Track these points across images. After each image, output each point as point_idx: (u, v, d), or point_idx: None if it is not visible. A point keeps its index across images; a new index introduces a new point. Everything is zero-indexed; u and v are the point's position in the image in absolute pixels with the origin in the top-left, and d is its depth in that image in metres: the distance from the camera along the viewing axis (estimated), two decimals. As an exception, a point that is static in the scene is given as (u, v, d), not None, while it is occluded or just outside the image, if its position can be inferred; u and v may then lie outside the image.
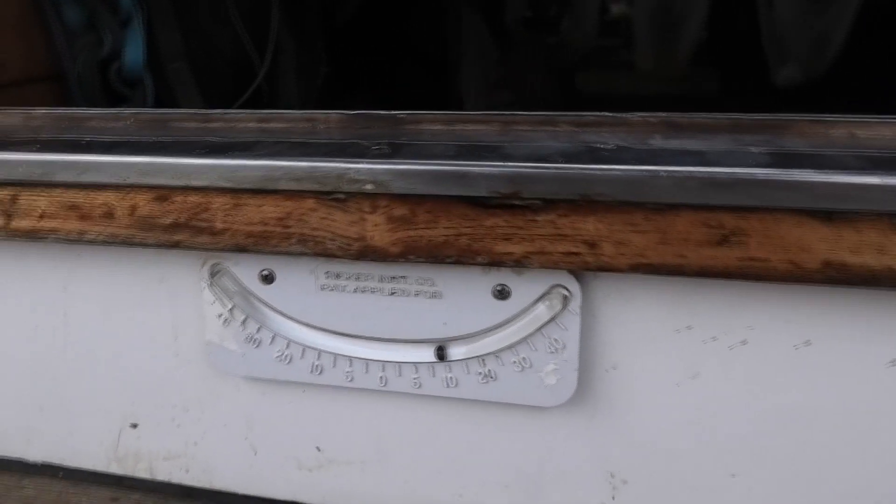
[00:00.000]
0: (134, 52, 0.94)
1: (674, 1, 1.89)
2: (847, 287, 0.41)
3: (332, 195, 0.44)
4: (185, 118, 0.56)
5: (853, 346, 0.44)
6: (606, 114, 0.50)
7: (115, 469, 0.59)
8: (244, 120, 0.55)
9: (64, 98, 0.91)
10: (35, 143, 0.52)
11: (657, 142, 0.46)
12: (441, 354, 0.47)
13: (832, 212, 0.39)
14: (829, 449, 0.46)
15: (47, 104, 0.93)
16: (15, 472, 0.61)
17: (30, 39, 0.93)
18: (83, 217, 0.49)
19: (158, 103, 0.98)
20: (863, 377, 0.44)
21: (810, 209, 0.39)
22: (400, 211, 0.44)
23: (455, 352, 0.47)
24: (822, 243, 0.40)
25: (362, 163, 0.44)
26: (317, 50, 1.30)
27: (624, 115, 0.50)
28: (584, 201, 0.41)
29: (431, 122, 0.52)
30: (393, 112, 0.53)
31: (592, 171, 0.41)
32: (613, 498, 0.50)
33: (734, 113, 0.49)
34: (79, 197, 0.49)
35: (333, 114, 0.54)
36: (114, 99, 0.97)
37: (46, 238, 0.50)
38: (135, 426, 0.57)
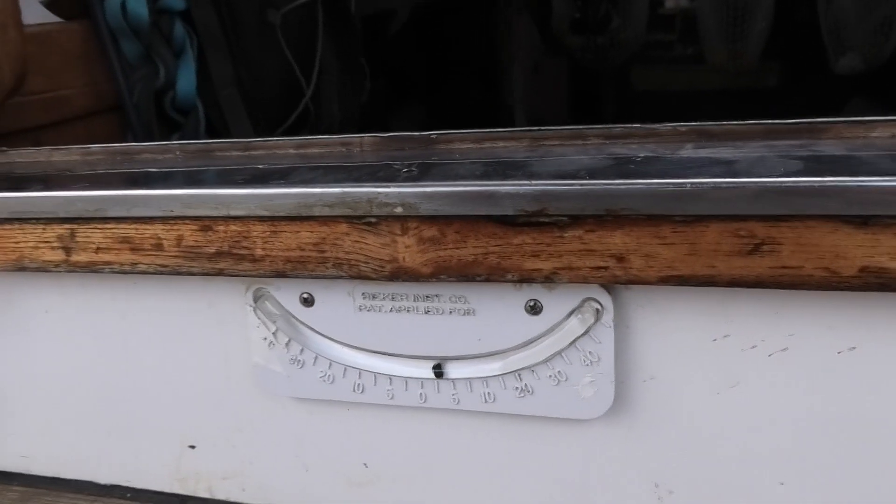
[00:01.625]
0: (187, 81, 0.97)
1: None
2: (889, 292, 0.40)
3: (364, 219, 0.45)
4: (228, 147, 0.59)
5: (900, 352, 0.43)
6: (636, 125, 0.50)
7: (177, 489, 0.61)
8: (283, 147, 0.57)
9: (123, 128, 0.95)
10: (90, 179, 0.55)
11: (687, 152, 0.46)
12: (438, 372, 0.48)
13: (868, 217, 0.38)
14: (877, 456, 0.45)
15: (110, 134, 0.99)
16: (88, 494, 0.64)
17: (92, 73, 0.98)
18: (134, 249, 0.51)
19: (210, 128, 1.01)
20: (913, 383, 0.43)
21: (844, 216, 0.38)
22: (429, 232, 0.45)
23: (486, 368, 0.48)
24: (858, 249, 0.39)
25: (392, 186, 0.45)
26: (360, 69, 1.32)
27: (654, 125, 0.49)
28: (610, 216, 0.41)
29: (462, 141, 0.53)
30: (425, 133, 0.54)
31: (617, 187, 0.41)
32: (659, 510, 0.50)
33: (770, 119, 0.48)
34: (130, 230, 0.51)
35: (367, 137, 0.55)
36: (169, 126, 1.02)
37: (103, 270, 0.53)
38: (193, 447, 0.60)
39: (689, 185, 0.40)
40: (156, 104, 0.97)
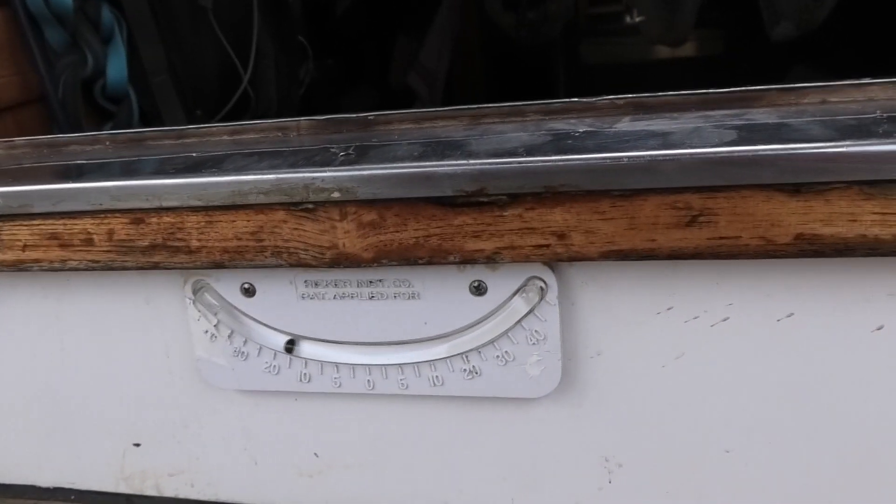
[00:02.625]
0: (117, 68, 0.94)
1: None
2: (823, 258, 0.40)
3: (301, 206, 0.44)
4: (159, 136, 0.57)
5: (837, 316, 0.44)
6: (574, 100, 0.49)
7: (123, 488, 0.60)
8: (217, 133, 0.55)
9: (52, 117, 0.92)
10: (15, 174, 0.53)
11: (624, 125, 0.46)
12: (289, 347, 0.49)
13: (800, 185, 0.39)
14: (820, 418, 0.46)
15: (41, 126, 0.95)
16: (29, 498, 0.62)
17: (18, 63, 0.93)
18: (64, 245, 0.49)
19: (144, 117, 0.98)
20: (849, 345, 0.44)
21: (777, 184, 0.39)
22: (369, 216, 0.44)
23: (433, 351, 0.48)
24: (792, 217, 0.39)
25: (328, 171, 0.44)
26: (300, 50, 1.29)
27: (591, 99, 0.49)
28: (549, 193, 0.41)
29: (401, 122, 0.52)
30: (362, 114, 0.53)
31: (555, 163, 0.40)
32: (610, 482, 0.50)
33: (704, 90, 0.48)
34: (58, 226, 0.49)
35: (304, 120, 0.54)
36: (101, 115, 0.98)
37: (31, 269, 0.50)
38: (138, 445, 0.58)
39: (625, 160, 0.40)
40: (86, 93, 0.94)
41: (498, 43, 2.06)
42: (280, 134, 0.54)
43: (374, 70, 1.88)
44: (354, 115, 0.53)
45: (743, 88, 0.47)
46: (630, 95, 0.48)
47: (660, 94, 0.48)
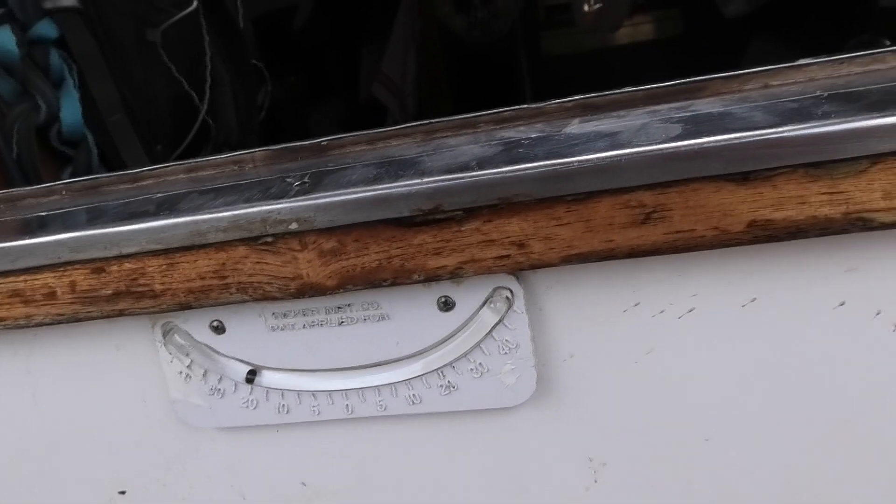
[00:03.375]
0: (71, 111, 0.93)
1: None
2: (777, 242, 0.41)
3: (261, 239, 0.44)
4: (115, 181, 0.57)
5: (799, 296, 0.44)
6: (524, 107, 0.50)
7: (113, 536, 0.59)
8: (172, 173, 0.55)
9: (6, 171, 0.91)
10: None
11: (574, 127, 0.46)
12: (250, 378, 0.49)
13: (748, 172, 0.39)
14: (793, 397, 0.46)
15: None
16: (19, 556, 0.61)
17: (-33, 117, 0.92)
18: (27, 302, 0.49)
19: (103, 158, 0.97)
20: (814, 323, 0.45)
21: (725, 174, 0.39)
22: (329, 244, 0.44)
23: (408, 370, 0.48)
24: (743, 205, 0.40)
25: (283, 202, 0.44)
26: (255, 73, 1.29)
27: (540, 104, 0.50)
28: (504, 204, 0.41)
29: (354, 144, 0.52)
30: (316, 140, 0.53)
31: (507, 174, 0.41)
32: (596, 481, 0.50)
33: (649, 85, 0.49)
34: (19, 282, 0.49)
35: (259, 152, 0.54)
36: (59, 160, 0.97)
37: (-4, 328, 0.50)
38: (123, 493, 0.58)
39: (574, 164, 0.40)
40: (41, 140, 0.93)
41: (456, 45, 2.07)
42: (236, 167, 0.54)
43: (333, 85, 1.88)
44: (308, 143, 0.53)
45: (686, 80, 0.48)
46: (578, 97, 0.49)
47: (606, 93, 0.49)
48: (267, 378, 0.50)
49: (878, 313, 0.44)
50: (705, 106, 0.45)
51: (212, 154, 1.21)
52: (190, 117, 1.10)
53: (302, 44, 1.81)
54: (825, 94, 0.43)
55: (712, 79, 0.48)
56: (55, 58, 0.93)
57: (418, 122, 0.52)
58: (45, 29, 0.92)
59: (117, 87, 0.96)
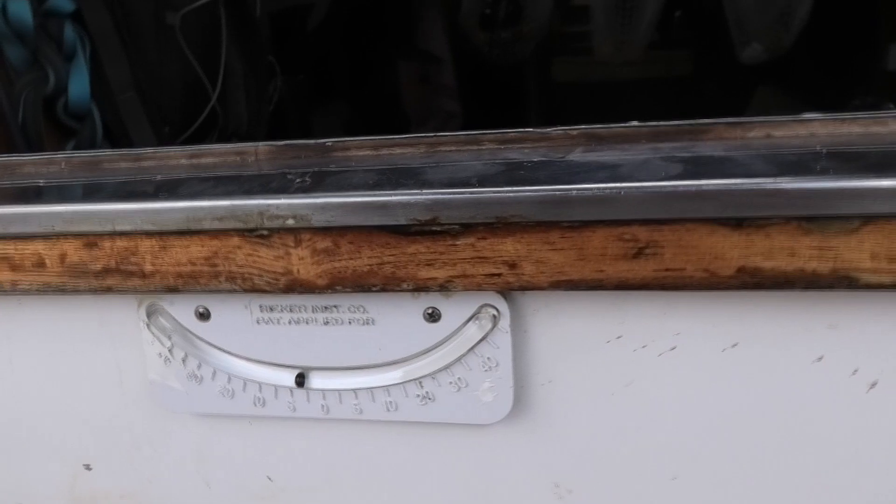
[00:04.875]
0: (79, 85, 0.93)
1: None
2: (764, 291, 0.41)
3: (256, 232, 0.45)
4: (117, 158, 0.57)
5: (779, 346, 0.45)
6: (529, 130, 0.50)
7: (73, 511, 0.59)
8: (175, 157, 0.55)
9: (9, 137, 0.91)
10: (-33, 194, 0.52)
11: (576, 156, 0.47)
12: (300, 381, 0.48)
13: (742, 219, 0.40)
14: (764, 446, 0.47)
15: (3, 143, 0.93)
16: (-25, 521, 0.61)
17: (-24, 79, 0.92)
18: (14, 268, 0.49)
19: (109, 134, 0.98)
20: (791, 375, 0.45)
21: (720, 218, 0.40)
22: (323, 244, 0.44)
23: (387, 377, 0.48)
24: (734, 250, 0.40)
25: (283, 198, 0.44)
26: (268, 68, 1.30)
27: (546, 130, 0.50)
28: (500, 224, 0.42)
29: (359, 149, 0.53)
30: (321, 140, 0.53)
31: (506, 195, 0.41)
32: (561, 508, 0.51)
33: (655, 122, 0.49)
34: (9, 248, 0.49)
35: (262, 145, 0.54)
36: (64, 133, 0.97)
37: (-19, 290, 0.50)
38: (88, 468, 0.57)
39: (574, 192, 0.40)
40: (47, 110, 0.93)
41: (470, 60, 2.08)
42: (238, 158, 0.54)
43: (342, 86, 1.89)
44: (312, 141, 0.53)
45: (691, 121, 0.49)
46: (583, 126, 0.49)
47: (612, 125, 0.49)
48: (245, 369, 0.50)
49: (854, 371, 0.44)
50: (707, 149, 0.46)
51: (218, 142, 1.22)
52: (200, 103, 1.10)
53: (314, 42, 1.82)
54: (825, 150, 0.43)
55: (717, 123, 0.48)
56: (69, 31, 0.94)
57: (423, 135, 0.52)
58: (62, 2, 0.93)
59: (130, 66, 0.96)
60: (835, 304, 0.43)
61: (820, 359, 0.44)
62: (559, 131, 0.50)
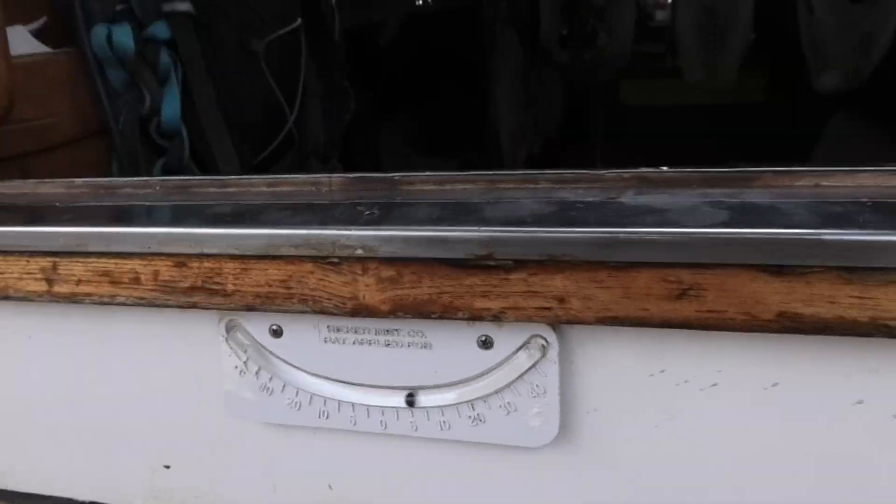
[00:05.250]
0: (171, 107, 1.01)
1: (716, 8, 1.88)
2: (803, 334, 0.43)
3: (328, 259, 0.49)
4: (205, 184, 0.62)
5: (820, 388, 0.46)
6: (584, 171, 0.53)
7: (152, 505, 0.64)
8: (256, 185, 0.60)
9: (108, 153, 0.98)
10: (74, 212, 0.59)
11: (628, 199, 0.50)
12: (410, 401, 0.52)
13: (783, 266, 0.42)
14: (803, 484, 0.48)
15: (95, 160, 1.02)
16: (66, 510, 0.67)
17: (78, 99, 1.01)
18: (114, 282, 0.54)
19: (195, 152, 1.04)
20: (832, 415, 0.46)
21: (762, 264, 0.42)
22: (388, 272, 0.48)
23: (442, 398, 0.51)
24: (775, 296, 0.42)
25: (353, 230, 0.48)
26: (344, 92, 1.36)
27: (600, 172, 0.53)
28: (551, 261, 0.45)
29: (423, 183, 0.56)
30: (389, 175, 0.57)
31: (558, 234, 0.44)
32: (603, 531, 0.53)
33: (706, 168, 0.52)
34: (109, 264, 0.54)
35: (336, 177, 0.59)
36: (155, 150, 1.05)
37: (83, 301, 0.56)
38: (167, 467, 0.63)
39: (621, 235, 0.43)
40: (141, 129, 1.00)
41: (548, 81, 2.10)
42: (313, 188, 0.59)
43: (412, 110, 1.94)
44: (381, 175, 0.57)
45: (741, 169, 0.51)
46: (635, 170, 0.52)
47: (664, 169, 0.52)
48: (313, 384, 0.54)
49: (895, 416, 0.45)
50: (755, 196, 0.48)
51: (294, 160, 1.28)
52: (278, 124, 1.17)
53: (387, 65, 1.88)
54: (870, 202, 0.45)
55: (765, 171, 0.50)
56: (164, 57, 1.01)
57: (483, 172, 0.55)
58: (160, 30, 1.00)
59: (216, 90, 1.03)
60: (874, 350, 0.44)
61: (860, 402, 0.46)
62: (613, 173, 0.53)
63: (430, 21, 2.14)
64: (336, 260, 0.49)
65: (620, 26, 1.95)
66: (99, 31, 0.93)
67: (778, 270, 0.42)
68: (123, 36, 0.92)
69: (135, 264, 0.53)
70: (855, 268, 0.41)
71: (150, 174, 0.99)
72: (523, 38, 2.00)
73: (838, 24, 1.73)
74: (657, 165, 0.52)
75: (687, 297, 0.44)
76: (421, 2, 2.21)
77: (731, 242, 0.42)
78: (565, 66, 2.01)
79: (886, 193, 0.46)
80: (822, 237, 0.41)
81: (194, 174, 1.09)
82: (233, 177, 0.61)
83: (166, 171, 1.04)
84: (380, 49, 1.90)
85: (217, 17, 1.02)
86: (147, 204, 0.60)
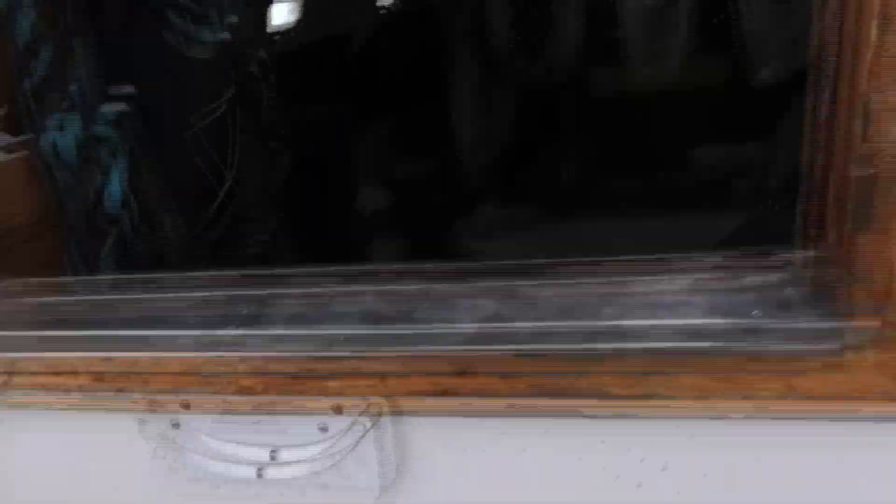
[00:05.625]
0: (117, 187, 1.15)
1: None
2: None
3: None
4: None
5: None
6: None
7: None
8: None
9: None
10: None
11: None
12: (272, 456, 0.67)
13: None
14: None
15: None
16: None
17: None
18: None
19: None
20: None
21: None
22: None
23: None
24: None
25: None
26: (278, 150, 1.47)
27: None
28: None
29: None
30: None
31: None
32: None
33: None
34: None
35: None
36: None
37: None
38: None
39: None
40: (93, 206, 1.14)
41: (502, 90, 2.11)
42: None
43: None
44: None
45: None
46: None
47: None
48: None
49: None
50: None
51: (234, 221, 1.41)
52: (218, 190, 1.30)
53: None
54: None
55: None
56: (107, 151, 1.16)
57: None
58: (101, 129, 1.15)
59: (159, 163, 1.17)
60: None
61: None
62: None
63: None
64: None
65: (568, 31, 1.99)
66: (45, 140, 1.07)
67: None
68: (67, 146, 1.07)
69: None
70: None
71: (98, 258, 1.12)
72: (477, 49, 2.03)
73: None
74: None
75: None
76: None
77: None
78: (517, 75, 2.04)
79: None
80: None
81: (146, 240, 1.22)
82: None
83: (117, 243, 1.17)
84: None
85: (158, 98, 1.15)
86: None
